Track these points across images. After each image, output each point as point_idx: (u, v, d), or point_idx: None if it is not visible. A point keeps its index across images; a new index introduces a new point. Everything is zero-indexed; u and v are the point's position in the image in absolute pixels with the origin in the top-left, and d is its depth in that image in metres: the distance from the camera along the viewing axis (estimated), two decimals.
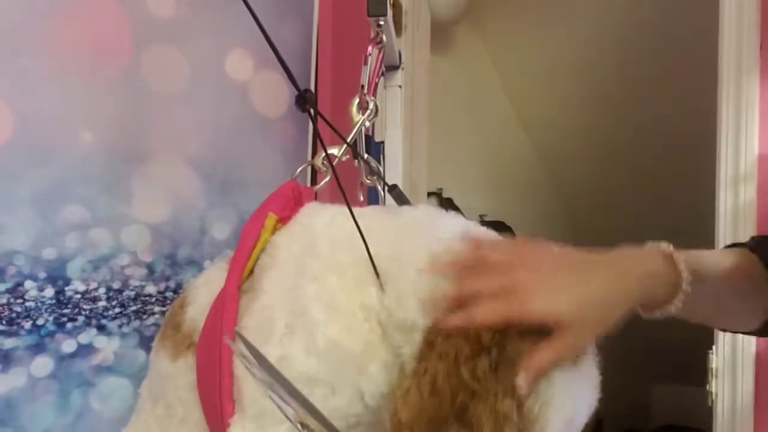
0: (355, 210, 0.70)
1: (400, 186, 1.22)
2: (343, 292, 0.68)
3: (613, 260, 0.64)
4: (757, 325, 0.79)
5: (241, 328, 0.71)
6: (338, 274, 0.68)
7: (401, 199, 0.87)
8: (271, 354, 0.68)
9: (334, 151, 0.83)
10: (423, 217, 0.73)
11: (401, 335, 0.65)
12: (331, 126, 0.69)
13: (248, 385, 0.69)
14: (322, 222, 0.73)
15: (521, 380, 0.57)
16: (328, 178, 0.81)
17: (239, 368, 0.69)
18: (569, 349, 0.59)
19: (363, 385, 0.67)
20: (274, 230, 0.77)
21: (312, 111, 0.55)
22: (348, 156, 0.83)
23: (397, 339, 0.66)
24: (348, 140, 0.83)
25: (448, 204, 3.08)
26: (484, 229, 0.72)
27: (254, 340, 0.69)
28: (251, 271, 0.75)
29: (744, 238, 1.80)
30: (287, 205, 0.79)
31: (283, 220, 0.78)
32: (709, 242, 1.82)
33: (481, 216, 3.27)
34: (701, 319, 0.75)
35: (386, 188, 0.89)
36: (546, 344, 0.58)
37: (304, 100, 0.53)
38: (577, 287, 0.61)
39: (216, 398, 0.70)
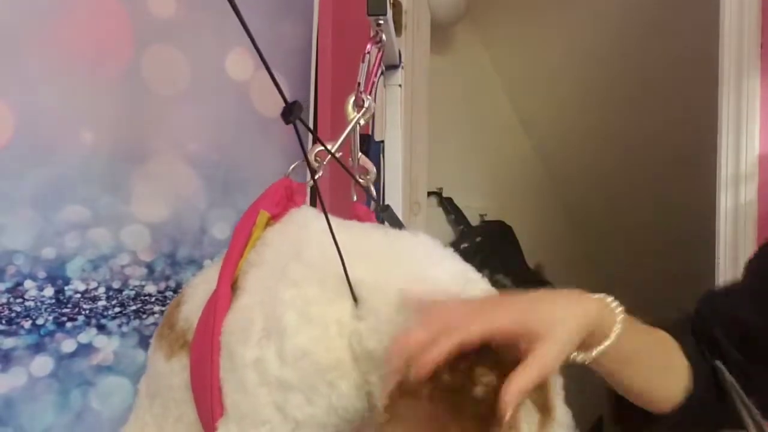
0: (353, 224, 0.68)
1: (400, 185, 1.23)
2: (319, 304, 0.66)
3: (560, 293, 0.64)
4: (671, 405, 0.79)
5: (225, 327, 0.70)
6: (319, 285, 0.67)
7: (393, 220, 0.85)
8: (248, 355, 0.66)
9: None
10: (420, 251, 0.71)
11: (368, 364, 0.64)
12: (319, 141, 0.69)
13: (230, 386, 0.67)
14: (319, 228, 0.69)
15: (504, 406, 0.53)
16: (320, 173, 0.79)
17: (222, 369, 0.68)
18: (545, 364, 0.56)
19: (334, 399, 0.65)
20: (266, 227, 0.76)
21: (301, 123, 0.54)
22: (341, 153, 0.82)
23: (366, 366, 0.65)
24: (341, 140, 0.82)
25: (448, 204, 3.08)
26: (477, 276, 0.69)
27: (233, 339, 0.69)
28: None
29: (744, 238, 1.80)
30: (279, 202, 0.78)
31: (275, 217, 0.77)
32: (709, 242, 1.82)
33: (481, 216, 3.27)
34: (618, 382, 0.74)
35: (379, 209, 0.87)
36: (520, 368, 0.55)
37: (290, 113, 0.52)
38: (540, 304, 0.61)
39: (207, 399, 0.69)
